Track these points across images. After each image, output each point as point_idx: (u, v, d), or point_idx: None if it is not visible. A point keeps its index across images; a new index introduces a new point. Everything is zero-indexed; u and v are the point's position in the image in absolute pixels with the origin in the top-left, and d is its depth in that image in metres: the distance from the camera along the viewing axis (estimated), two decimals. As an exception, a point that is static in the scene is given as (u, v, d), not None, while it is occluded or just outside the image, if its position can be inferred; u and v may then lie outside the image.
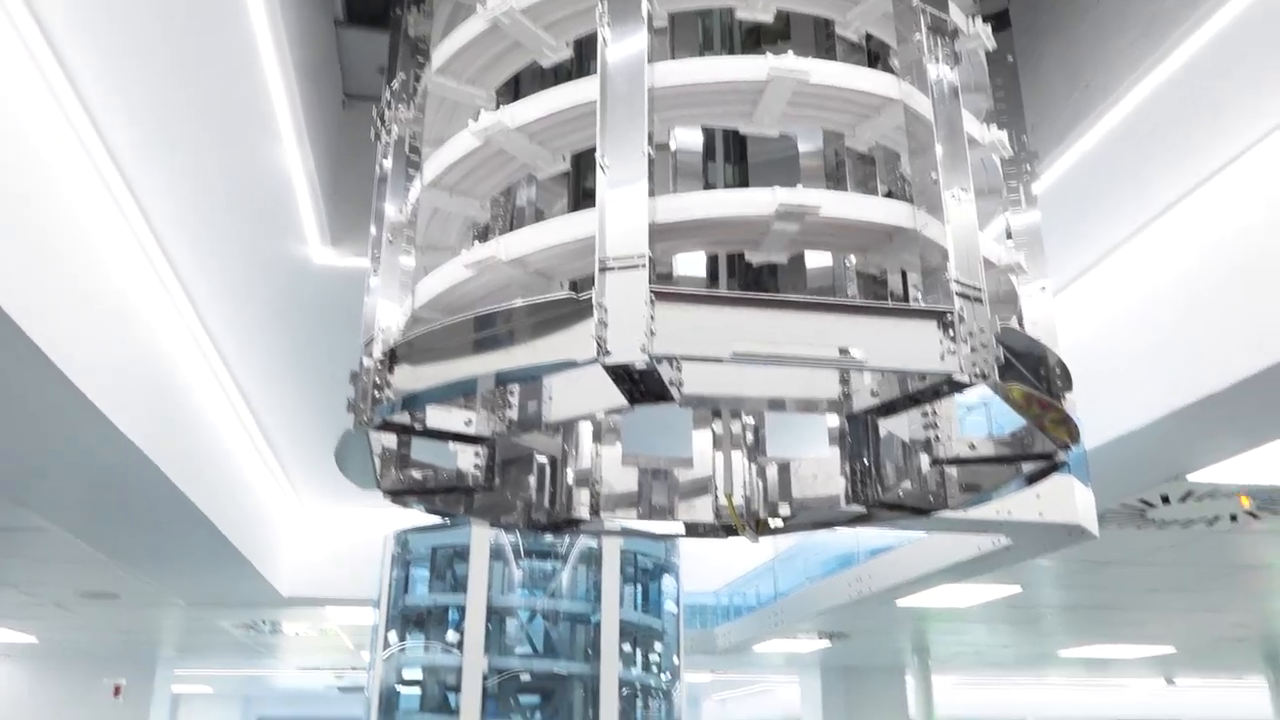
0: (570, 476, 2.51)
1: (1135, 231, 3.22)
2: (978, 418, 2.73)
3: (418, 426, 1.98)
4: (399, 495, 2.30)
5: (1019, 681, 15.89)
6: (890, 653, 10.62)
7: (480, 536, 4.77)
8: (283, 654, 11.75)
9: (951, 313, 1.58)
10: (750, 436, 2.55)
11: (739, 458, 2.53)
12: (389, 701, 5.21)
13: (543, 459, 2.47)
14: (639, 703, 5.12)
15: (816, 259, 2.03)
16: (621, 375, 1.55)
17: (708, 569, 7.50)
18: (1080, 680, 15.64)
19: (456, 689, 4.81)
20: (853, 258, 2.02)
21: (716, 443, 2.48)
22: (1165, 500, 3.87)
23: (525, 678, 5.01)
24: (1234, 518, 4.13)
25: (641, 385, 1.60)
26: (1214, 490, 3.67)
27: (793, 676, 13.47)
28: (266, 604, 7.31)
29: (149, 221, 3.32)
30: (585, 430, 2.51)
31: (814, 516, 2.48)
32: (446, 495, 2.40)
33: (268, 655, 11.83)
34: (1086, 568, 5.75)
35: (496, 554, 5.02)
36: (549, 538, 5.28)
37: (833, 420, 2.39)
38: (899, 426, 2.12)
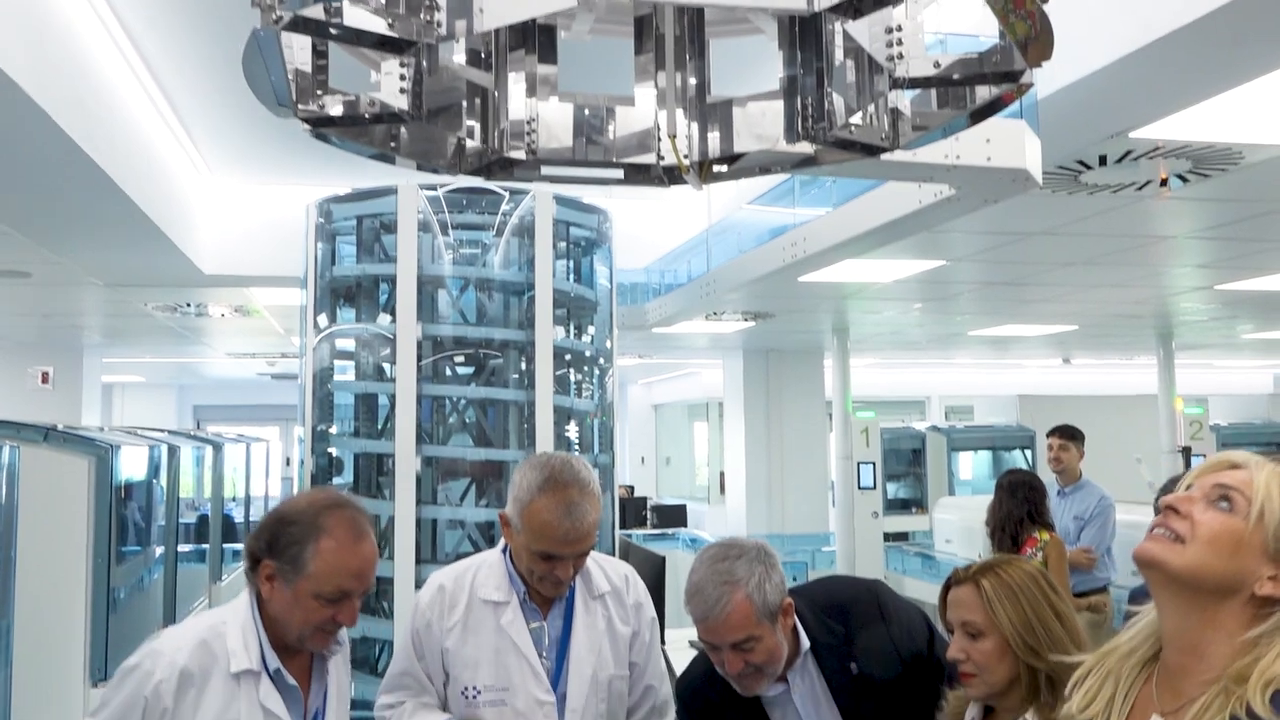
0: (504, 121, 2.35)
1: None
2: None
3: (334, 30, 1.78)
4: (318, 125, 2.12)
5: (927, 362, 16.87)
6: (811, 334, 11.06)
7: (408, 199, 4.62)
8: (212, 339, 11.77)
9: (937, -117, 1.41)
10: (694, 82, 2.40)
11: (682, 109, 2.39)
12: (323, 380, 5.23)
13: (473, 122, 2.30)
14: (573, 371, 5.23)
15: None
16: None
17: (639, 247, 7.52)
18: (983, 361, 16.65)
19: (391, 360, 4.83)
20: None
21: (660, 99, 2.34)
22: (1103, 161, 3.86)
23: (459, 359, 5.06)
24: (1164, 182, 4.17)
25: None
26: (1155, 148, 3.66)
27: (716, 360, 14.06)
28: (188, 283, 7.17)
29: None
30: (517, 83, 2.32)
31: (761, 160, 2.38)
32: (371, 127, 2.23)
33: (196, 341, 11.85)
34: (1010, 239, 5.88)
35: (424, 227, 4.89)
36: (479, 214, 5.14)
37: (779, 70, 2.24)
38: (858, 32, 1.98)
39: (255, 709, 1.97)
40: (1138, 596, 2.92)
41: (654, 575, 5.53)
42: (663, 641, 3.04)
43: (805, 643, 2.22)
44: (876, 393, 16.54)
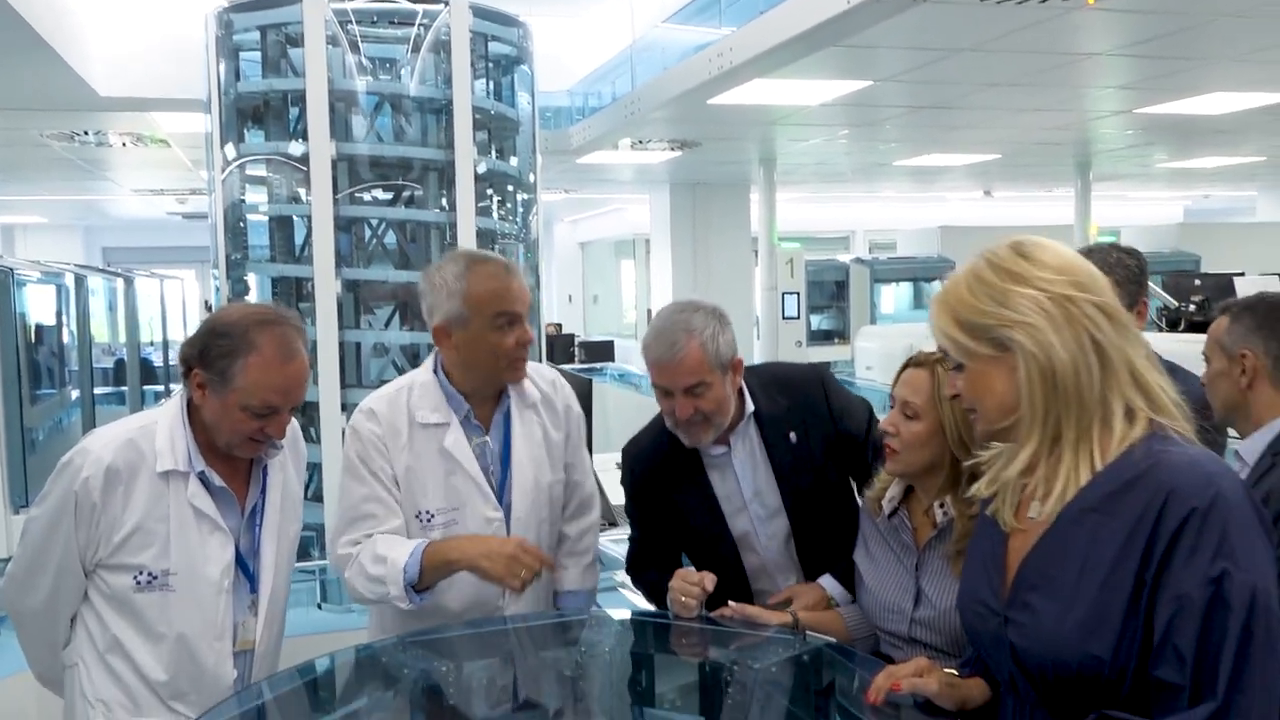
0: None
1: None
2: None
3: None
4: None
5: (851, 196, 16.94)
6: (738, 165, 10.97)
7: (314, 6, 4.36)
8: (116, 172, 11.23)
9: None
10: None
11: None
12: (235, 211, 5.04)
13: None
14: (495, 196, 5.12)
15: None
16: None
17: (562, 70, 7.27)
18: (907, 194, 16.77)
19: (307, 186, 4.67)
20: None
21: None
22: (1033, -37, 3.79)
23: (381, 196, 4.89)
24: (1093, -12, 4.12)
25: None
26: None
27: (642, 195, 13.92)
28: (83, 106, 6.75)
29: None
30: None
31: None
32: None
33: (99, 176, 11.29)
34: (936, 57, 5.81)
35: (333, 41, 4.65)
36: (391, 28, 4.89)
37: None
38: None
39: (184, 507, 1.98)
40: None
41: (581, 398, 5.58)
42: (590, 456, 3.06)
43: (750, 407, 2.32)
44: (802, 227, 16.62)
